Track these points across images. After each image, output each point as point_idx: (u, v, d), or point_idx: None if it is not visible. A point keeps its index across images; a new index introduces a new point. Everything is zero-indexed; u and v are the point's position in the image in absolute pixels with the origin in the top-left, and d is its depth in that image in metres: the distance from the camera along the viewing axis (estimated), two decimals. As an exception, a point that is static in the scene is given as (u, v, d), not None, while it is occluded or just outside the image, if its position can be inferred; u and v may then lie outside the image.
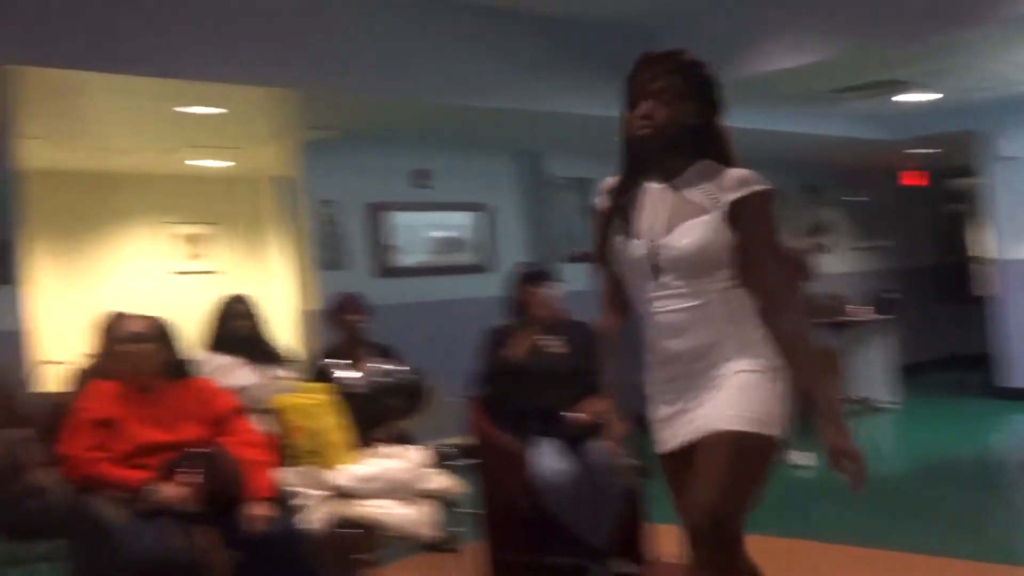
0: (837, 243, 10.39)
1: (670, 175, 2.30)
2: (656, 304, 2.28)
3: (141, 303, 4.90)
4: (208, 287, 7.07)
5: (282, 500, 3.40)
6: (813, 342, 2.21)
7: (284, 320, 6.91)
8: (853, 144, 8.95)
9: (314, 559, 3.30)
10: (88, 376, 4.19)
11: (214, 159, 7.61)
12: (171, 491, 3.15)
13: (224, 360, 4.28)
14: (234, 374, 4.19)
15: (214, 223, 8.50)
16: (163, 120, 6.00)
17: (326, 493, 3.62)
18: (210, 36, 4.93)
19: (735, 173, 2.26)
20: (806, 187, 10.28)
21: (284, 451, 3.74)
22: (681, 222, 2.24)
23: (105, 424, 3.32)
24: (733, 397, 2.19)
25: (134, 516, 3.10)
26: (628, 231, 2.30)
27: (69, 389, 4.27)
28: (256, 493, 3.26)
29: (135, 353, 3.44)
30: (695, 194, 2.25)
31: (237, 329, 4.39)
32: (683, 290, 2.24)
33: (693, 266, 2.23)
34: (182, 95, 5.28)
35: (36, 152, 6.02)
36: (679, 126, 2.26)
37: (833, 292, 8.56)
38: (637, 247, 2.28)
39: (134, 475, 3.19)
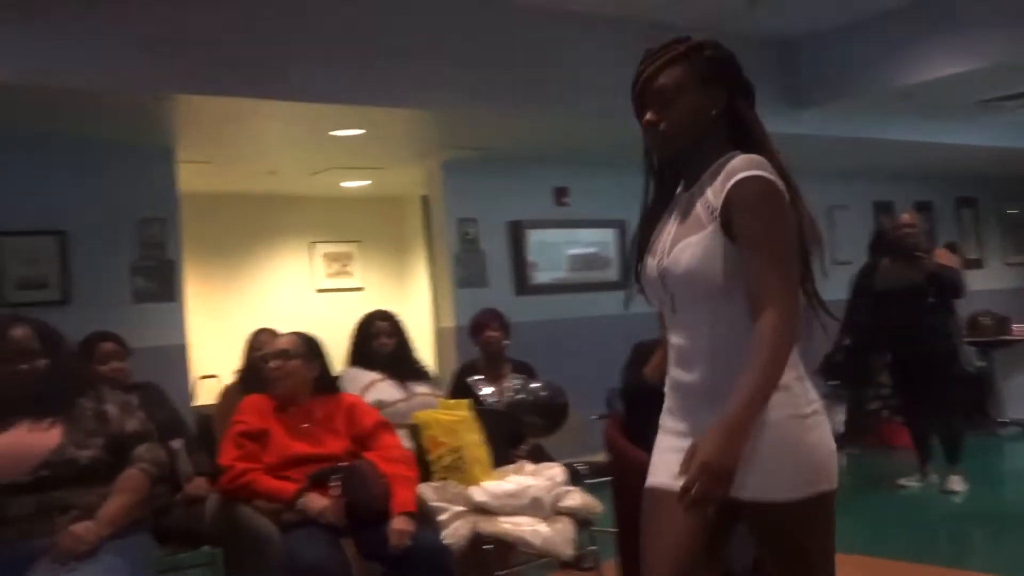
0: (989, 258, 9.93)
1: (689, 182, 2.02)
2: (669, 330, 2.03)
3: (289, 319, 5.09)
4: (352, 304, 7.26)
5: (424, 515, 3.46)
6: (781, 357, 1.82)
7: (425, 336, 7.04)
8: (1013, 155, 8.55)
9: (455, 574, 3.34)
10: (239, 390, 4.36)
11: (359, 180, 7.83)
12: (320, 503, 3.24)
13: (368, 376, 4.37)
14: (377, 389, 4.27)
15: (358, 241, 8.74)
16: (312, 143, 6.21)
17: (466, 509, 3.66)
18: (357, 61, 5.09)
19: (728, 166, 1.91)
20: (961, 200, 9.87)
21: (425, 467, 3.80)
22: (681, 239, 1.95)
23: (256, 436, 3.44)
24: (774, 456, 1.85)
25: (284, 526, 3.21)
26: (647, 251, 2.06)
27: (222, 402, 4.45)
28: (400, 508, 3.32)
29: (284, 368, 3.56)
30: (700, 203, 1.95)
31: (380, 346, 4.45)
32: (690, 317, 1.96)
33: (692, 291, 1.94)
34: (331, 118, 5.47)
35: (195, 175, 6.33)
36: (692, 123, 1.97)
37: (988, 310, 8.17)
38: (650, 268, 2.03)
39: (286, 486, 3.29)
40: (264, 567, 3.14)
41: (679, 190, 2.06)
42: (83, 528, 2.64)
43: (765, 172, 1.88)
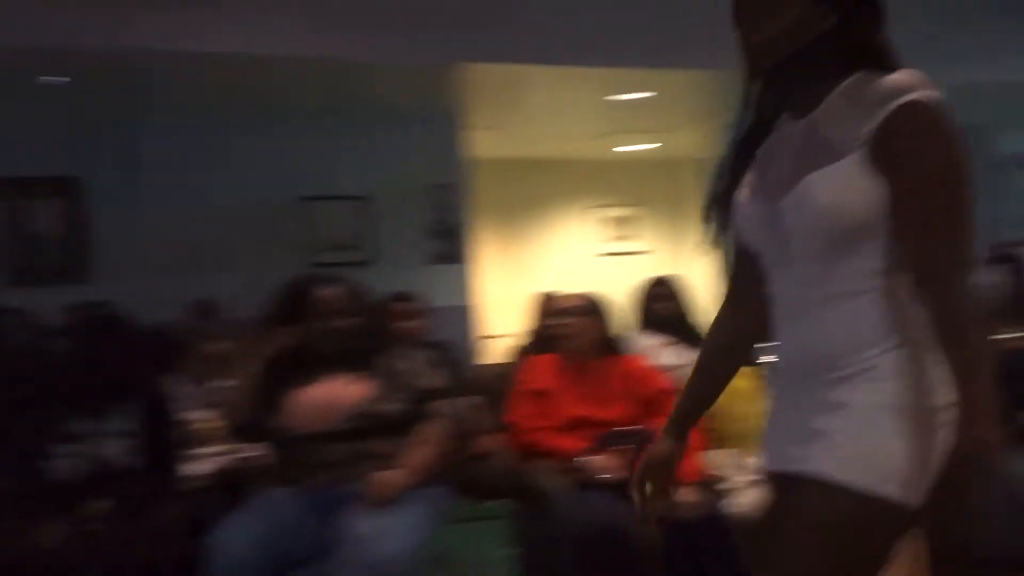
0: None
1: (805, 107, 1.63)
2: (778, 288, 1.68)
3: (572, 282, 5.15)
4: (634, 268, 7.26)
5: (708, 484, 3.41)
6: (970, 323, 1.47)
7: (708, 301, 6.93)
8: None
9: (739, 543, 3.27)
10: (527, 350, 4.47)
11: (641, 143, 7.79)
12: (605, 464, 3.27)
13: (651, 340, 4.35)
14: (663, 354, 4.24)
15: (639, 205, 8.72)
16: (594, 106, 6.23)
17: (753, 478, 3.57)
18: (642, 23, 5.02)
19: (883, 84, 1.52)
20: None
21: (712, 434, 3.74)
22: (806, 174, 1.56)
23: (541, 395, 3.51)
24: (854, 432, 1.52)
25: (570, 485, 3.27)
26: (746, 190, 1.70)
27: (511, 361, 4.57)
28: (685, 477, 3.29)
29: (570, 327, 3.60)
30: (833, 130, 1.56)
31: (659, 311, 4.43)
32: (811, 272, 1.59)
33: (820, 234, 1.56)
34: (614, 82, 5.45)
35: (481, 141, 6.52)
36: (793, 38, 1.60)
37: None
38: (753, 210, 1.67)
39: (570, 445, 3.35)
40: (548, 521, 3.21)
41: (785, 119, 1.70)
42: (391, 476, 2.80)
43: (940, 98, 1.50)
